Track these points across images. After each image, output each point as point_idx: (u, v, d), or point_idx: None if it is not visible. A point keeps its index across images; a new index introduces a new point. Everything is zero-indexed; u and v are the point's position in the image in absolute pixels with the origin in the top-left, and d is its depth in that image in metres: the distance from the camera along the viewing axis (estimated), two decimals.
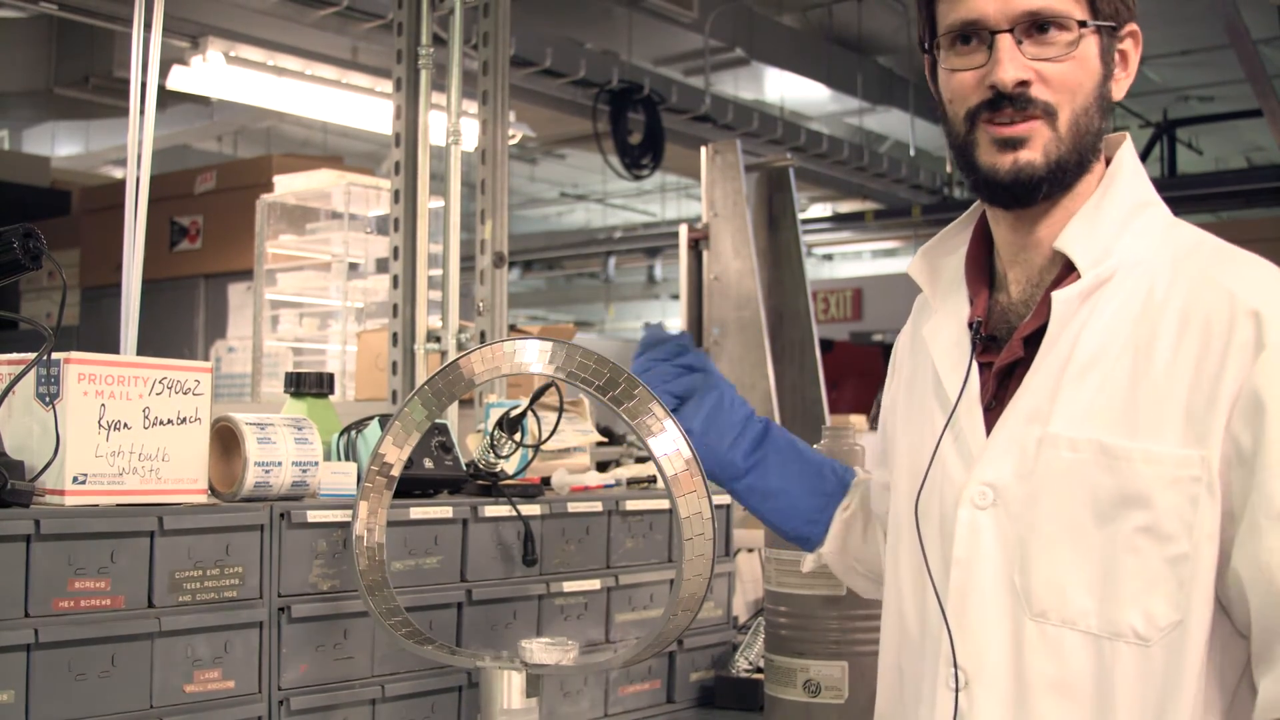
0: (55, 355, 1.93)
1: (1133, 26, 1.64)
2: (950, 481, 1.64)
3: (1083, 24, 1.58)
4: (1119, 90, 1.65)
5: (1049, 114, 1.58)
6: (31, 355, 1.93)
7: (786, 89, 11.85)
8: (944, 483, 1.66)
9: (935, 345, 1.74)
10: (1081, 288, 1.57)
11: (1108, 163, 1.68)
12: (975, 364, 1.66)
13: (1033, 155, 1.59)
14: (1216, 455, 1.46)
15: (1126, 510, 1.49)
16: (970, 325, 1.68)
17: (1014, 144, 1.59)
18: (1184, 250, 1.58)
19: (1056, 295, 1.57)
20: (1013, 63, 1.57)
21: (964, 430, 1.64)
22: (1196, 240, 1.61)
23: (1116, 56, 1.64)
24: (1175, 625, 1.47)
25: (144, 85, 2.91)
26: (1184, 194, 12.52)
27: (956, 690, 1.58)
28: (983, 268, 1.74)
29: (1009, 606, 1.57)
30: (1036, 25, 1.57)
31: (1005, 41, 1.57)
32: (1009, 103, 1.58)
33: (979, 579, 1.59)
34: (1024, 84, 1.57)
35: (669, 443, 1.91)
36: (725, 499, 2.75)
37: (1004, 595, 1.57)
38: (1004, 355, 1.64)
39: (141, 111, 2.88)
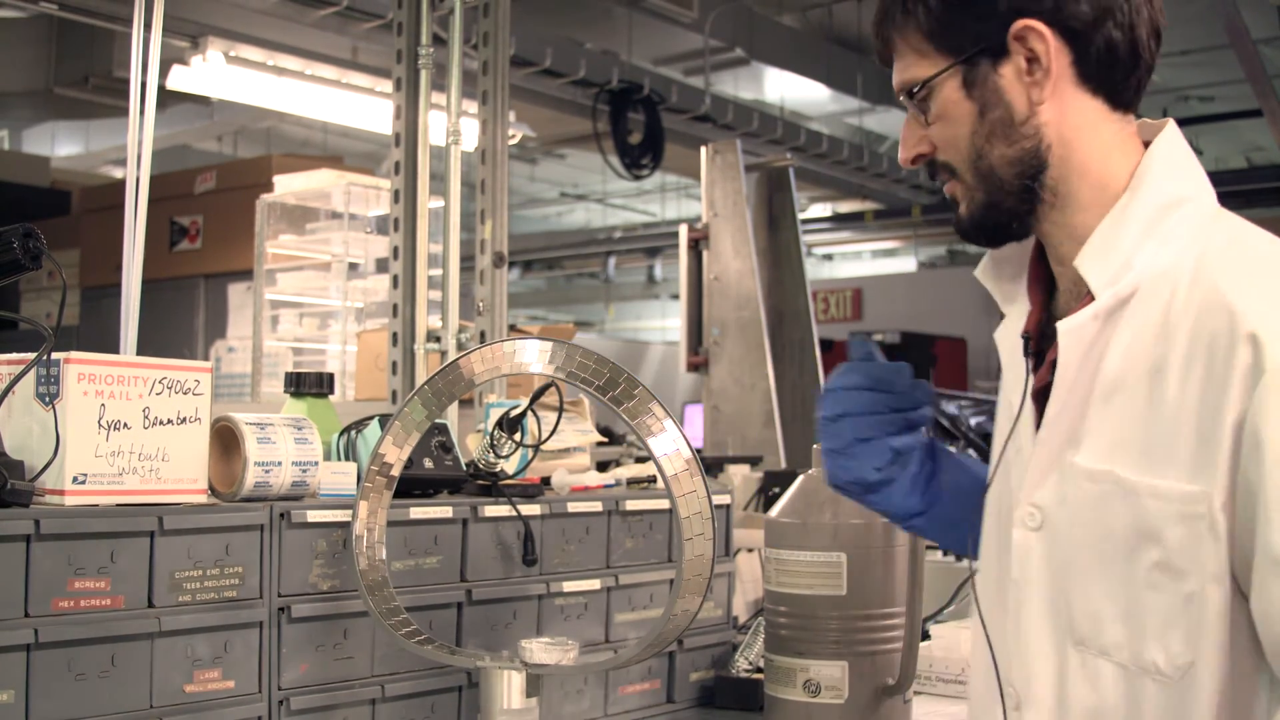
0: (55, 355, 1.93)
1: (1020, 25, 1.50)
2: (1009, 494, 1.62)
3: (928, 81, 1.56)
4: (1043, 91, 1.52)
5: (952, 172, 1.58)
6: (31, 355, 1.93)
7: (786, 89, 11.85)
8: (1004, 494, 1.64)
9: (1003, 352, 1.69)
10: (1095, 310, 1.49)
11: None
12: (1031, 378, 1.59)
13: (962, 210, 1.59)
14: (1219, 492, 1.38)
15: (1144, 545, 1.43)
16: (1023, 337, 1.62)
17: (953, 201, 1.61)
18: (1213, 254, 1.45)
19: (1062, 326, 1.51)
20: (905, 142, 1.61)
21: (1022, 446, 1.60)
22: (1229, 240, 1.48)
23: (1011, 71, 1.52)
24: (1190, 665, 1.41)
25: (144, 85, 2.91)
26: None
27: (1005, 710, 1.58)
28: (1044, 272, 1.67)
29: (1054, 631, 1.53)
30: (909, 95, 1.58)
31: (905, 121, 1.61)
32: (930, 171, 1.62)
33: (1030, 601, 1.55)
34: (918, 158, 1.60)
35: (669, 442, 1.91)
36: (725, 499, 2.75)
37: (1050, 619, 1.53)
38: (1038, 378, 1.58)
39: (141, 111, 2.88)
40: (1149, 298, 1.46)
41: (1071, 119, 1.53)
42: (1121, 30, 1.50)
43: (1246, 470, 1.35)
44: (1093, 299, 1.50)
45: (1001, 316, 1.71)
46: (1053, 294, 1.64)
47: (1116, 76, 1.53)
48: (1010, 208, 1.55)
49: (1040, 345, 1.60)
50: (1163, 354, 1.43)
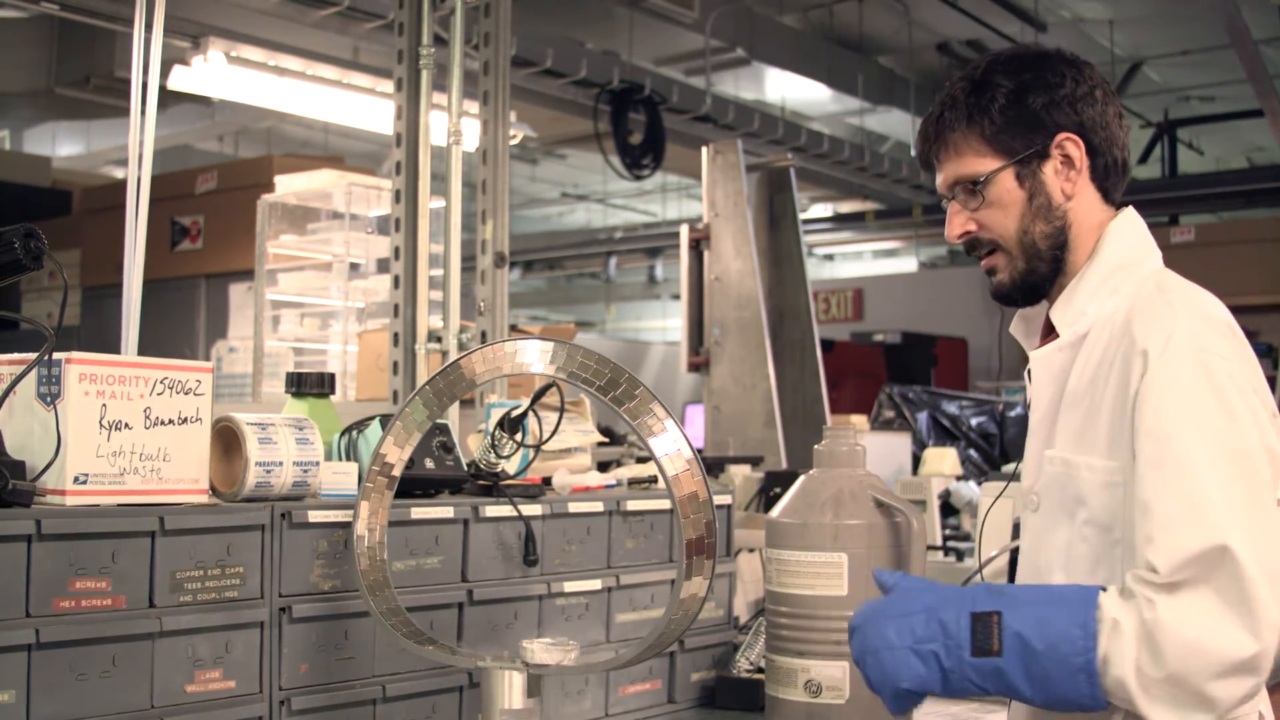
0: (56, 355, 1.93)
1: (1063, 136, 1.99)
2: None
3: (992, 174, 2.00)
4: (1073, 186, 2.00)
5: (996, 247, 2.03)
6: (32, 355, 1.93)
7: (787, 89, 11.84)
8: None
9: (1026, 385, 2.14)
10: (1059, 344, 2.00)
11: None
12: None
13: (1001, 278, 2.05)
14: (1129, 463, 1.83)
15: (1078, 508, 1.92)
16: (1026, 371, 2.11)
17: (989, 273, 2.06)
18: (1139, 301, 1.92)
19: (1032, 355, 2.07)
20: (952, 223, 2.06)
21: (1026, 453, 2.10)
22: (1153, 289, 1.93)
23: (1051, 169, 2.00)
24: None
25: (145, 85, 2.91)
26: (1185, 194, 12.51)
27: None
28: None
29: (1037, 583, 1.99)
30: (964, 186, 2.02)
31: (950, 206, 2.06)
32: (970, 247, 2.06)
33: (1026, 566, 2.05)
34: (965, 233, 2.04)
35: (670, 443, 1.91)
36: (726, 499, 2.75)
37: (1032, 576, 2.02)
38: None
39: (143, 112, 2.88)
40: (1098, 334, 1.96)
41: (1082, 207, 2.02)
42: (1120, 151, 2.04)
43: (1136, 422, 1.82)
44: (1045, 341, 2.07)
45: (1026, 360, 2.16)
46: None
47: (1112, 182, 2.04)
48: (1044, 273, 2.03)
49: None
50: (1099, 371, 1.92)
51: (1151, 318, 1.87)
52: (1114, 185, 2.06)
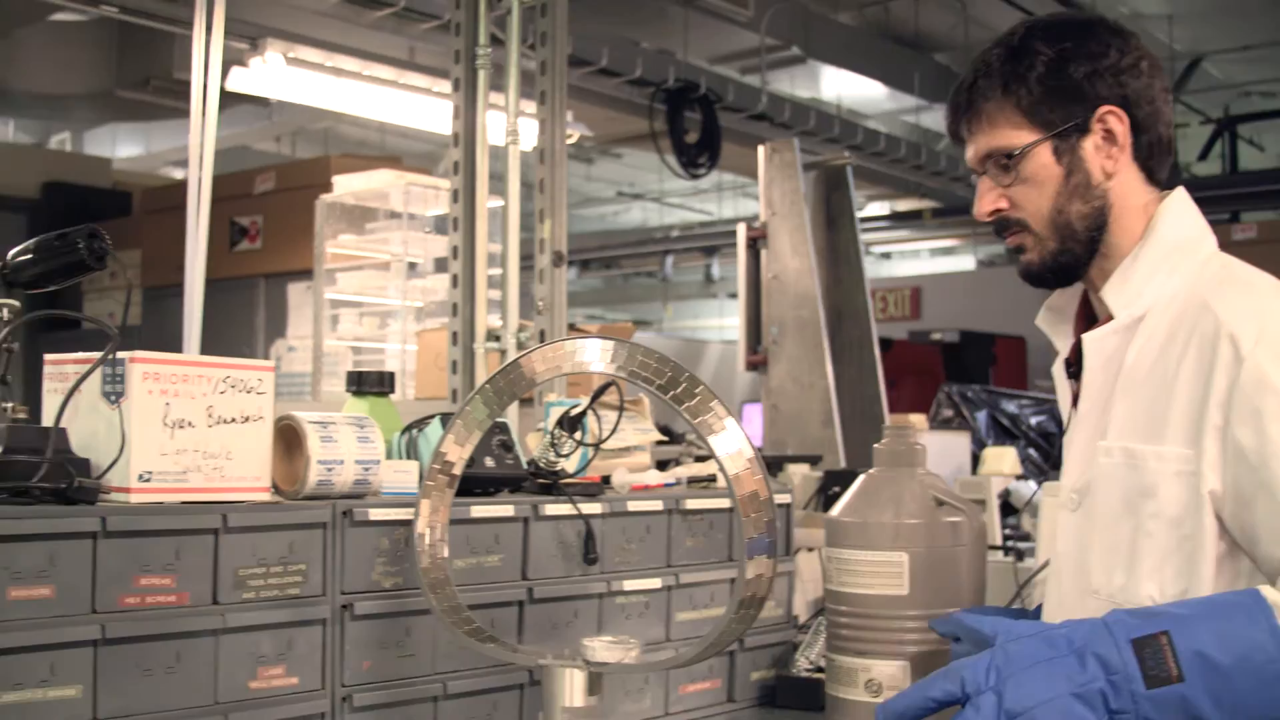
0: (120, 355, 1.95)
1: (1105, 109, 1.89)
2: (1059, 487, 2.02)
3: (1027, 148, 1.90)
4: (1114, 164, 1.91)
5: (1024, 227, 1.94)
6: (96, 355, 1.95)
7: (843, 87, 11.81)
8: (1059, 488, 2.03)
9: (1056, 382, 2.10)
10: (1114, 326, 1.90)
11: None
12: (1070, 395, 2.02)
13: (1030, 258, 1.95)
14: (1206, 452, 1.74)
15: (1143, 501, 1.81)
16: (1065, 362, 2.05)
17: (1018, 250, 1.97)
18: (1205, 281, 1.85)
19: (1086, 337, 1.93)
20: (982, 199, 1.96)
21: (1065, 447, 2.01)
22: (1219, 269, 1.87)
23: (1091, 145, 1.90)
24: (1184, 592, 1.76)
25: (205, 87, 2.93)
26: (1246, 191, 12.39)
27: None
28: (1087, 311, 2.05)
29: (1077, 588, 1.91)
30: (996, 160, 1.93)
31: (980, 182, 1.96)
32: (1000, 227, 1.97)
33: (1064, 570, 1.95)
34: (995, 212, 1.95)
35: (731, 441, 1.90)
36: (786, 498, 2.75)
37: (1075, 579, 1.91)
38: (1078, 387, 1.98)
39: (203, 113, 2.90)
40: (1157, 315, 1.86)
41: (1124, 187, 1.92)
42: (1166, 129, 1.94)
43: (1237, 435, 1.71)
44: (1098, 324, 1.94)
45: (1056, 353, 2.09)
46: (1091, 328, 1.98)
47: (1156, 160, 1.94)
48: (1079, 254, 1.93)
49: (1080, 367, 1.98)
50: (1166, 354, 1.82)
51: (1232, 301, 1.78)
52: (1158, 164, 1.95)
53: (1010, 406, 6.50)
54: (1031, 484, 4.53)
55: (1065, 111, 1.89)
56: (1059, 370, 2.07)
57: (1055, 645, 1.59)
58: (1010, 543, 4.18)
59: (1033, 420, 6.47)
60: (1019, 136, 1.91)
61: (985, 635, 1.70)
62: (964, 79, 1.96)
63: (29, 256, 2.11)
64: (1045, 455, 6.31)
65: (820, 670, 2.57)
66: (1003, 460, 4.76)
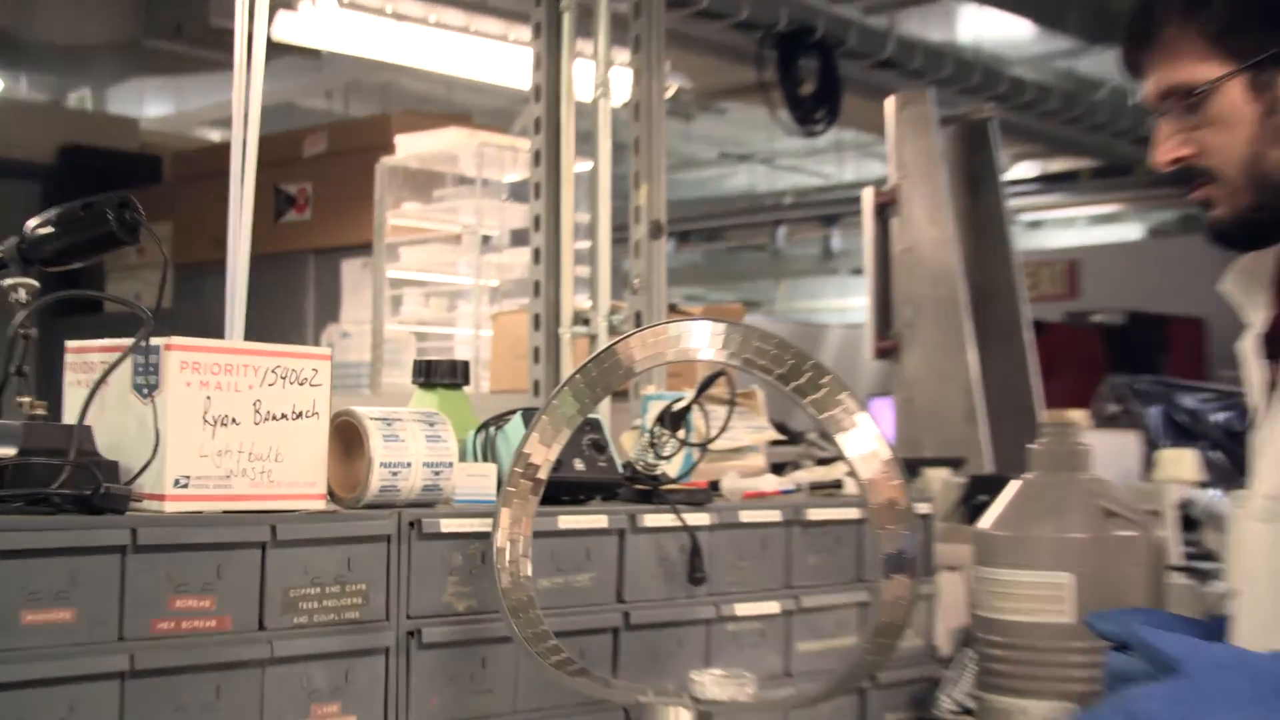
0: (154, 341, 1.95)
1: None
2: (1248, 494, 1.90)
3: (1216, 82, 1.80)
4: None
5: (1213, 177, 1.84)
6: (125, 342, 1.95)
7: (984, 28, 11.71)
8: (1248, 496, 1.91)
9: (1243, 360, 1.99)
10: None
11: None
12: (1264, 380, 1.92)
13: (1219, 214, 1.86)
14: None
15: None
16: (1265, 338, 1.92)
17: (1204, 205, 1.88)
18: None
19: None
20: (1161, 145, 1.87)
21: (1258, 445, 1.90)
22: None
23: None
24: None
25: (250, 35, 2.94)
26: None
27: None
28: None
29: (1275, 619, 1.78)
30: (1179, 98, 1.84)
31: (1159, 125, 1.88)
32: (1182, 177, 1.87)
33: (1260, 597, 1.82)
34: (1177, 160, 1.87)
35: (864, 441, 1.88)
36: (926, 508, 2.72)
37: (1272, 607, 1.79)
38: (1275, 371, 1.88)
39: (248, 65, 2.90)
40: None
41: None
42: None
43: None
44: None
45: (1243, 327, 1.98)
46: None
47: None
48: (1279, 210, 1.83)
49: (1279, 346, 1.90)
50: None
51: None
52: None
53: (1189, 401, 6.40)
54: (1216, 492, 4.47)
55: (1261, 39, 1.80)
56: (1251, 347, 1.97)
57: (1259, 682, 1.49)
58: (1192, 562, 4.12)
59: (1217, 417, 6.37)
60: (1205, 69, 1.82)
61: (1169, 657, 1.58)
62: (1140, 3, 1.90)
63: (50, 230, 2.12)
64: (1232, 458, 6.22)
65: (968, 712, 2.55)
66: (1181, 464, 4.70)
